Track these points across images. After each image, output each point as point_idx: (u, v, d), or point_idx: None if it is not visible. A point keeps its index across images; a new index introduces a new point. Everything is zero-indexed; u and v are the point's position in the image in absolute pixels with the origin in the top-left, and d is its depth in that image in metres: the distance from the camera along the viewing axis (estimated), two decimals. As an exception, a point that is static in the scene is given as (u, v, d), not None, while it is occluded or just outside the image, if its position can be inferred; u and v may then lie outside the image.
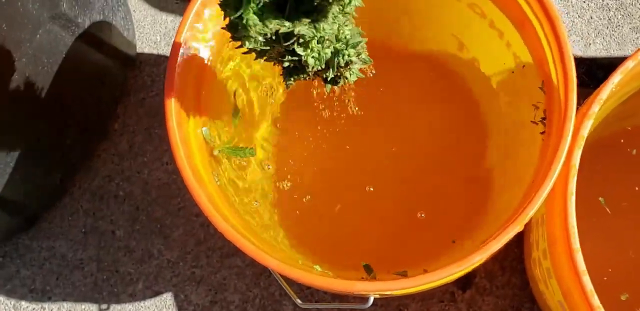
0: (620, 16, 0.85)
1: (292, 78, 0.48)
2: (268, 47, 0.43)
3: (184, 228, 0.78)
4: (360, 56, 0.47)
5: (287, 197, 0.72)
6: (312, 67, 0.45)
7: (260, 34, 0.40)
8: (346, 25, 0.45)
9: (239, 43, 0.43)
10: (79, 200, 0.79)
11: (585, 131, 0.51)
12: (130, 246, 0.78)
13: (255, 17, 0.39)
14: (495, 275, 0.74)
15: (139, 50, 0.84)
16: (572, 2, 0.86)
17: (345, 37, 0.45)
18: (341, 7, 0.42)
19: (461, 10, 0.64)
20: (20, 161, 0.65)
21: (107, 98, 0.79)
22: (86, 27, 0.69)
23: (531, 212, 0.49)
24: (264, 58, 0.46)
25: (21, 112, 0.63)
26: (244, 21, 0.39)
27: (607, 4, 0.86)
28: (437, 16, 0.68)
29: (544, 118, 0.57)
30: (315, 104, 0.67)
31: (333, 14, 0.42)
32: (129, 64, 0.82)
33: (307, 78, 0.48)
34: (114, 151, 0.80)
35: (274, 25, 0.40)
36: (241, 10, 0.39)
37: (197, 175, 0.53)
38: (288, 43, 0.42)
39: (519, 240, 0.73)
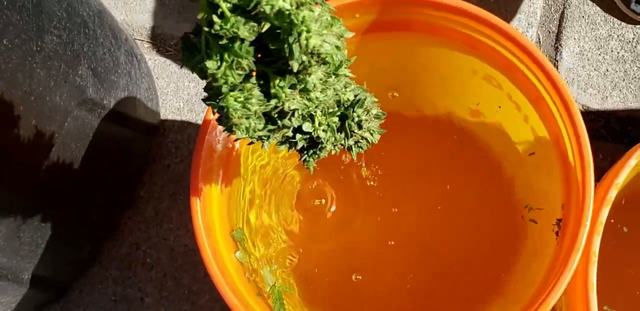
0: (636, 68, 0.85)
1: (311, 159, 0.46)
2: (263, 133, 0.41)
3: (210, 294, 0.79)
4: (370, 113, 0.45)
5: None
6: (327, 140, 0.44)
7: (244, 117, 0.39)
8: (346, 87, 0.43)
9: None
10: (108, 268, 0.81)
11: (604, 217, 0.52)
12: (158, 313, 0.80)
13: (235, 103, 0.38)
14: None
15: (162, 117, 0.86)
16: (587, 55, 0.87)
17: (348, 99, 0.43)
18: (326, 73, 0.39)
19: (479, 83, 0.65)
20: (50, 240, 0.67)
21: (133, 168, 0.81)
22: (112, 106, 0.70)
23: (551, 302, 0.50)
24: (275, 143, 0.43)
25: (50, 195, 0.65)
26: (225, 110, 0.38)
27: (623, 56, 0.86)
28: (455, 88, 0.69)
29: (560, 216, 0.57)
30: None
31: (320, 80, 0.39)
32: (153, 132, 0.84)
33: (325, 153, 0.46)
34: (140, 218, 0.82)
35: (256, 106, 0.39)
36: (222, 102, 0.38)
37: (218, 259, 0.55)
38: (285, 120, 0.40)
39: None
